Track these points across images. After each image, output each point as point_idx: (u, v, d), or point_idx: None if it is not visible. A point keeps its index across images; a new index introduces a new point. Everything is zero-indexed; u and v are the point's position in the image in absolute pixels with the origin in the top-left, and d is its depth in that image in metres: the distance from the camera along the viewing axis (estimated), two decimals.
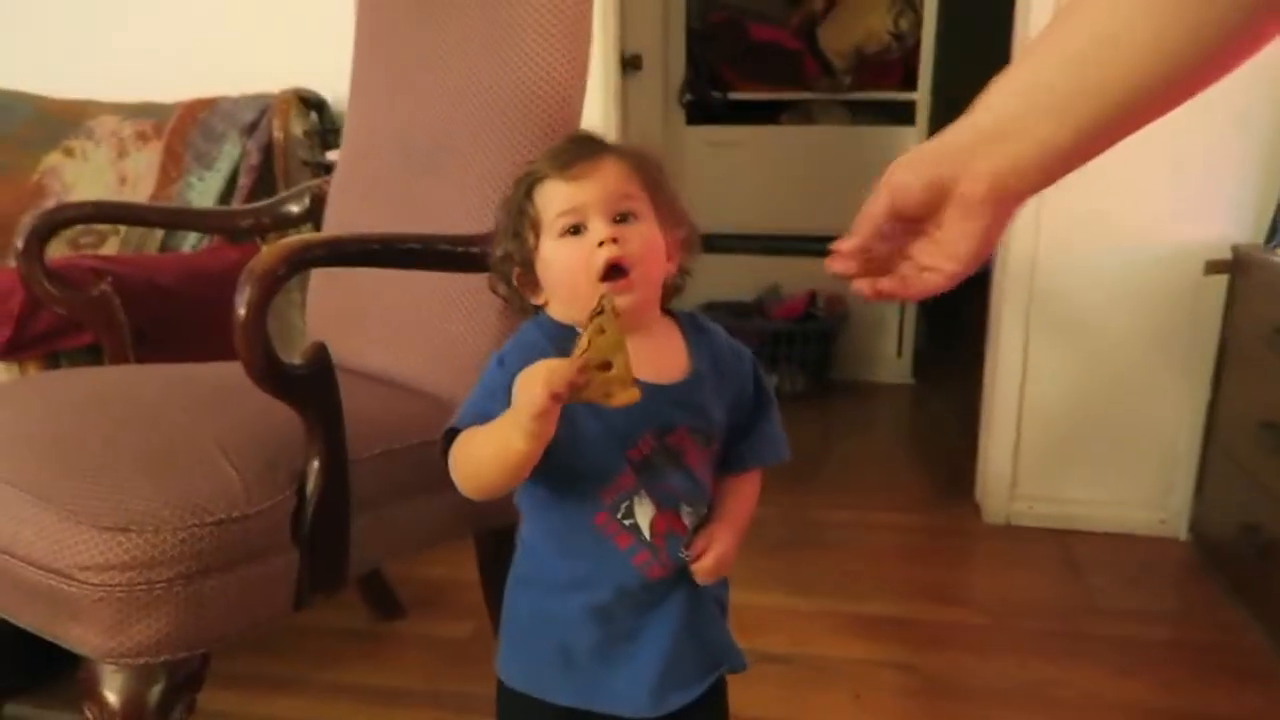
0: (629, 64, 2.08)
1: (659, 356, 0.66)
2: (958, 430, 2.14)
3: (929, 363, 2.70)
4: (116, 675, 0.72)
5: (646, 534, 0.65)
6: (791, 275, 2.61)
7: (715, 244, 2.78)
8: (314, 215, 1.20)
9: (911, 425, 2.41)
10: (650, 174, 0.66)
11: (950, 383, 2.51)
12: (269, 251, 0.71)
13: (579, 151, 0.65)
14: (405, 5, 1.12)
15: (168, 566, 0.69)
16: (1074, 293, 1.65)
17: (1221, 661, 1.31)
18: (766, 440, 0.71)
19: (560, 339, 0.63)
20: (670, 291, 0.69)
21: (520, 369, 0.58)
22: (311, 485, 0.77)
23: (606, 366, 0.54)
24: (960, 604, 1.49)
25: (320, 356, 0.75)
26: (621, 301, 0.59)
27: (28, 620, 0.78)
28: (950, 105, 2.80)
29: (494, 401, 0.61)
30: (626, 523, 0.65)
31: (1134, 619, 1.42)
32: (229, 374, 1.01)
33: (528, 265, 0.66)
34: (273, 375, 0.72)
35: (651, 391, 0.60)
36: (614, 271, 0.62)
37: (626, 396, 0.55)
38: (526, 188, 0.66)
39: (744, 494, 0.71)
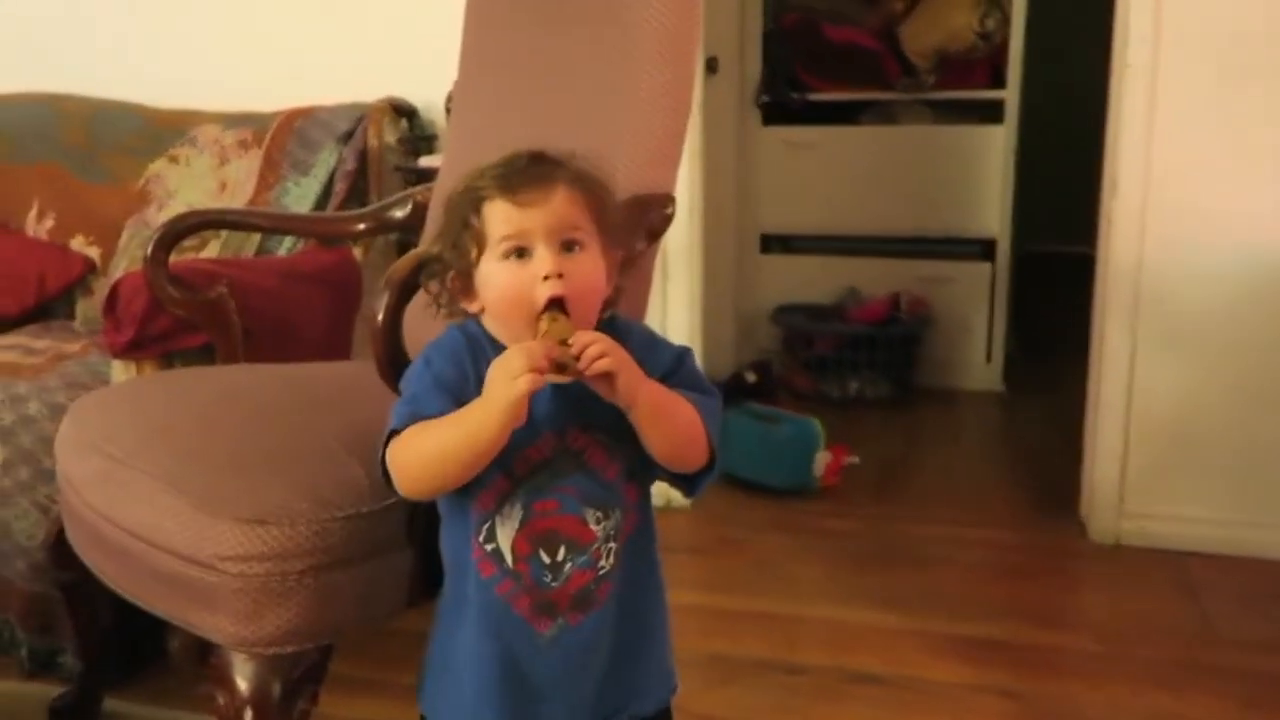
0: (707, 66, 2.07)
1: None
2: (1055, 442, 2.04)
3: (1020, 369, 2.59)
4: (248, 664, 0.74)
5: (509, 559, 0.64)
6: (870, 277, 2.55)
7: (791, 245, 2.74)
8: (415, 220, 1.23)
9: (1004, 436, 2.31)
10: (597, 200, 0.66)
11: (1044, 391, 2.41)
12: (402, 261, 0.73)
13: (529, 176, 0.64)
14: (515, 23, 1.13)
15: (300, 559, 0.71)
16: (1184, 295, 1.56)
17: None
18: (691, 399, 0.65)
19: (486, 348, 0.64)
20: (605, 307, 0.68)
21: (446, 369, 0.62)
22: None
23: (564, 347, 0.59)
24: (1067, 628, 1.42)
25: None
26: None
27: (161, 607, 0.80)
28: (1038, 103, 2.65)
29: (429, 399, 0.63)
30: (489, 548, 0.64)
31: (1260, 648, 1.32)
32: (342, 374, 1.04)
33: (465, 275, 0.66)
34: (401, 374, 0.73)
35: (552, 391, 0.62)
36: (554, 306, 0.62)
37: (575, 374, 0.60)
38: (473, 202, 0.65)
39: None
